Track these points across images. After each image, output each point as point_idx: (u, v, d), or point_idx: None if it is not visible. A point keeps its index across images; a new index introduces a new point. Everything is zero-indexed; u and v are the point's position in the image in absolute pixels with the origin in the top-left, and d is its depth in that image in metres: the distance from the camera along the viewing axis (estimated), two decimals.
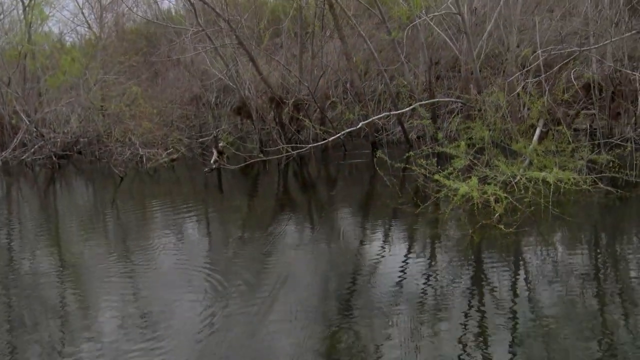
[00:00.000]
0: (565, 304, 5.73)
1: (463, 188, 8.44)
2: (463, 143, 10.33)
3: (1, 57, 20.91)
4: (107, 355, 5.24)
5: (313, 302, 6.21)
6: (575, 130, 12.97)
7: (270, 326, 5.68)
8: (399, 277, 6.76)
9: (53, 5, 24.01)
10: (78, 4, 29.66)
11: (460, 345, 4.98)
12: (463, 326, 5.35)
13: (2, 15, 22.63)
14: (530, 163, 10.57)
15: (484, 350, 4.90)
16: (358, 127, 12.78)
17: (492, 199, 8.48)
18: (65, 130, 19.33)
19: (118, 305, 6.47)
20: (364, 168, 14.94)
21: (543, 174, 8.93)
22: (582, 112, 14.06)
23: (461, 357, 4.80)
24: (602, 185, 9.26)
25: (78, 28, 31.77)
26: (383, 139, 17.96)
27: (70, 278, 7.69)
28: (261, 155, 12.96)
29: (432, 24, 16.02)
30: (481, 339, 5.11)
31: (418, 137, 17.22)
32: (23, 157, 18.93)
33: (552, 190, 8.56)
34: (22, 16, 22.02)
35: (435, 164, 10.09)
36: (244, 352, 5.20)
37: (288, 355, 5.10)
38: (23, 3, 21.45)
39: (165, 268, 7.76)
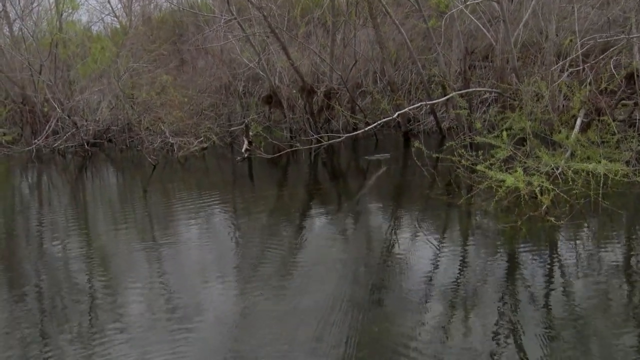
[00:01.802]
0: (614, 300, 5.57)
1: (509, 179, 8.25)
2: (505, 133, 10.11)
3: (34, 46, 21.02)
4: (136, 343, 5.23)
5: (354, 293, 6.11)
6: (612, 120, 12.65)
7: (300, 316, 5.63)
8: (448, 268, 6.63)
9: None
10: None
11: (507, 337, 4.86)
12: (508, 318, 5.22)
13: (35, 3, 22.74)
14: (572, 154, 10.32)
15: (521, 343, 4.80)
16: (394, 116, 12.55)
17: (538, 190, 8.29)
18: (97, 118, 19.42)
19: (148, 293, 6.44)
20: (397, 158, 14.76)
21: (592, 165, 8.68)
22: (622, 102, 13.72)
23: (497, 349, 4.70)
24: None
25: (105, 17, 31.95)
26: (415, 129, 17.77)
27: (100, 265, 7.68)
28: (297, 144, 12.83)
29: (467, 12, 15.72)
30: (527, 332, 4.98)
31: (449, 128, 16.99)
32: (55, 145, 19.05)
33: (602, 182, 8.31)
34: (54, 5, 22.14)
35: (472, 155, 9.91)
36: (275, 341, 5.15)
37: (315, 345, 5.04)
38: None
39: (197, 256, 7.74)
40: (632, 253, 6.90)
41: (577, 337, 4.85)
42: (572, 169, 8.89)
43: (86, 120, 19.52)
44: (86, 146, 18.42)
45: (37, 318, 6.03)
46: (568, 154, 10.30)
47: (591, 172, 8.62)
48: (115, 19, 29.28)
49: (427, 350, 4.80)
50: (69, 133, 19.06)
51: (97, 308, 6.16)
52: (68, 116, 18.99)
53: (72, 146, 19.10)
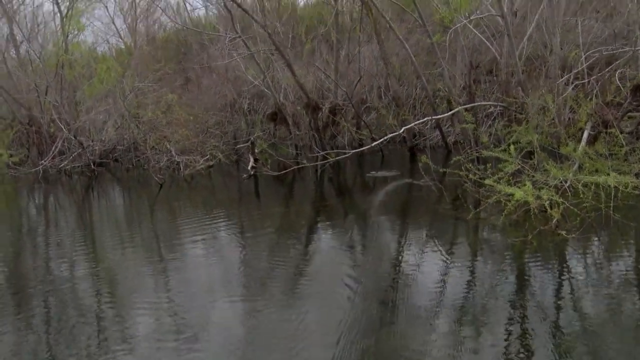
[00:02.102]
0: (625, 314, 5.48)
1: (518, 193, 8.19)
2: (513, 147, 10.06)
3: (40, 67, 21.19)
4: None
5: (363, 310, 6.04)
6: (620, 132, 12.61)
7: (309, 334, 5.58)
8: (457, 283, 6.56)
9: (89, 16, 24.34)
10: (109, 14, 30.05)
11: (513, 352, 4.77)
12: (518, 333, 5.14)
13: (42, 25, 22.97)
14: (580, 167, 10.26)
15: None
16: (401, 132, 12.54)
17: (547, 204, 8.22)
18: (103, 138, 19.50)
19: (156, 313, 6.39)
20: (404, 174, 14.72)
21: (602, 177, 8.62)
22: (628, 114, 13.69)
23: None
24: None
25: (110, 38, 32.24)
26: (420, 144, 17.76)
27: (108, 285, 7.64)
28: (304, 161, 12.83)
29: (470, 26, 15.78)
30: (539, 346, 4.90)
31: (455, 142, 16.99)
32: (62, 165, 19.12)
33: (612, 194, 8.24)
34: (60, 26, 22.34)
35: (479, 169, 9.87)
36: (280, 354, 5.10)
37: (321, 357, 4.99)
38: (61, 14, 21.75)
39: (205, 275, 7.70)
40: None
41: (588, 353, 4.76)
42: (581, 182, 8.82)
43: (92, 140, 19.62)
44: (92, 166, 18.48)
45: (45, 338, 5.97)
46: (576, 166, 10.24)
47: (601, 184, 8.55)
48: (120, 39, 29.61)
49: None
50: (75, 153, 19.13)
51: (105, 328, 6.11)
52: (74, 136, 19.08)
53: (78, 166, 19.16)
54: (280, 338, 5.50)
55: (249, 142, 16.80)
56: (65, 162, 19.09)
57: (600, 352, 4.82)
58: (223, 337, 5.64)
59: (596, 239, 7.82)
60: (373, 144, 13.46)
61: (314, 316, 6.00)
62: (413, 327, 5.51)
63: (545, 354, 4.82)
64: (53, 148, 19.38)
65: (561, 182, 9.34)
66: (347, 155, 13.20)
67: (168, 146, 17.24)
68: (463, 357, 4.90)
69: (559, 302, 5.91)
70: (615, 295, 5.94)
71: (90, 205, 14.62)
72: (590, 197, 8.27)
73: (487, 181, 9.06)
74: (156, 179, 15.17)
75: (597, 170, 9.81)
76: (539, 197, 8.43)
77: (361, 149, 14.17)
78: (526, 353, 4.87)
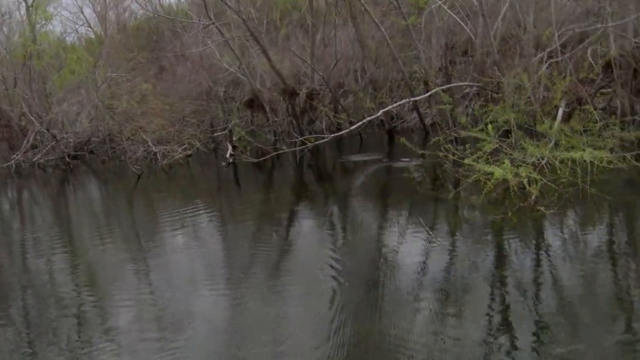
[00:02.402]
0: (602, 285, 5.60)
1: (498, 171, 8.27)
2: (491, 126, 10.14)
3: (7, 58, 20.67)
4: (127, 354, 5.15)
5: (347, 291, 6.06)
6: (593, 109, 12.78)
7: (292, 319, 5.61)
8: (439, 261, 6.62)
9: (56, 5, 23.79)
10: (77, 3, 29.41)
11: (496, 325, 4.85)
12: (500, 307, 5.22)
13: (7, 16, 22.39)
14: (556, 144, 10.38)
15: (512, 332, 4.82)
16: (378, 115, 12.55)
17: (526, 181, 8.32)
18: (76, 130, 19.15)
19: (137, 304, 6.34)
20: (383, 156, 14.75)
21: (579, 153, 8.74)
22: (600, 90, 13.87)
23: (487, 338, 4.75)
24: (639, 164, 9.00)
25: (79, 28, 31.57)
26: (398, 127, 17.81)
27: (88, 278, 7.56)
28: (283, 147, 12.77)
29: (445, 7, 15.79)
30: (520, 320, 4.98)
31: (433, 124, 17.06)
32: (35, 159, 18.75)
33: (588, 169, 8.37)
34: (26, 16, 21.81)
35: (458, 149, 9.93)
36: (267, 343, 5.11)
37: (309, 343, 5.02)
38: (26, 3, 21.22)
39: (186, 265, 7.65)
40: (621, 237, 6.96)
41: (565, 325, 4.84)
42: (558, 158, 8.93)
43: (66, 133, 19.24)
44: (67, 159, 18.14)
45: (25, 332, 5.88)
46: (552, 143, 10.36)
47: (577, 160, 8.67)
48: (90, 28, 29.02)
49: (421, 343, 4.78)
50: (49, 146, 18.77)
51: (87, 320, 6.04)
52: (47, 129, 18.70)
53: (52, 160, 18.81)
54: (265, 326, 5.49)
55: (227, 130, 16.68)
56: (39, 156, 18.73)
57: (577, 323, 4.90)
58: (207, 326, 5.59)
59: (574, 213, 7.96)
60: (351, 128, 13.47)
61: (299, 302, 6.01)
62: (398, 307, 5.54)
63: (525, 327, 4.89)
64: (25, 142, 18.98)
65: (538, 160, 9.45)
66: (325, 139, 13.17)
67: (144, 136, 17.00)
68: (447, 333, 4.95)
69: (538, 277, 6.00)
70: (592, 268, 6.05)
71: (67, 198, 14.39)
72: (567, 173, 8.39)
73: (466, 161, 9.12)
74: (134, 169, 14.97)
75: (572, 147, 9.93)
76: (517, 175, 8.52)
77: (339, 133, 14.14)
78: (507, 327, 4.94)
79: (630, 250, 6.51)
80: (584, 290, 5.60)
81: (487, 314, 5.22)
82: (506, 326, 4.99)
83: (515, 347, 4.61)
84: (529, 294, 5.58)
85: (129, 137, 17.58)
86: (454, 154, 9.71)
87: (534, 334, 4.79)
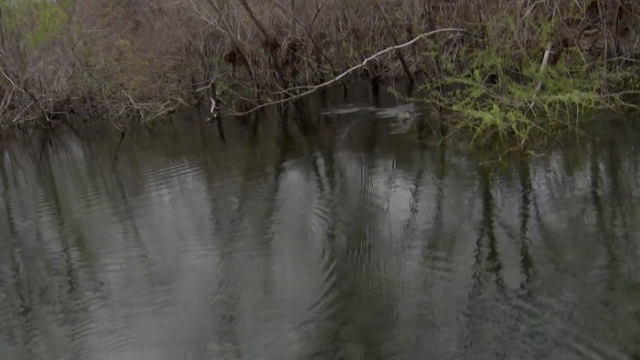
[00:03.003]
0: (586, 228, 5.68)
1: (487, 117, 8.25)
2: (477, 72, 10.05)
3: None
4: (117, 312, 5.15)
5: (336, 243, 6.09)
6: (579, 50, 12.71)
7: (283, 272, 5.65)
8: (429, 209, 6.67)
9: None
10: None
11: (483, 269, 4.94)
12: (489, 251, 5.30)
13: None
14: (543, 87, 10.36)
15: (500, 276, 4.89)
16: (362, 64, 12.39)
17: (515, 125, 8.32)
18: (55, 89, 18.69)
19: (127, 261, 6.32)
20: (367, 106, 14.65)
21: (567, 95, 8.73)
22: (585, 31, 13.77)
23: (476, 279, 4.85)
24: (626, 104, 9.00)
25: None
26: (382, 76, 17.64)
27: (76, 238, 7.51)
28: (268, 100, 12.59)
29: None
30: (509, 262, 5.07)
31: (417, 72, 16.92)
32: (14, 120, 18.34)
33: (577, 112, 8.38)
34: None
35: (447, 95, 9.87)
36: (256, 293, 5.16)
37: (302, 293, 5.06)
38: None
39: (174, 222, 7.61)
40: (610, 178, 7.04)
41: (551, 268, 4.91)
42: (547, 101, 8.91)
43: (44, 92, 18.77)
44: (47, 119, 17.77)
45: (16, 292, 5.87)
46: (539, 87, 10.32)
47: (565, 103, 8.66)
48: None
49: (412, 287, 4.85)
50: (28, 106, 18.34)
51: (77, 279, 6.02)
52: (24, 89, 18.23)
53: (32, 120, 18.40)
54: (256, 279, 5.50)
55: (209, 85, 16.40)
56: (18, 117, 18.32)
57: (563, 262, 4.98)
58: (198, 282, 5.55)
59: (563, 156, 8.00)
60: (336, 78, 13.28)
61: (289, 255, 6.03)
62: (388, 254, 5.57)
63: (513, 266, 4.97)
64: (2, 102, 18.50)
65: (526, 104, 9.43)
66: (310, 91, 13.01)
67: (125, 94, 16.66)
68: (437, 274, 5.03)
69: (527, 220, 6.05)
70: (581, 209, 6.12)
71: (50, 159, 14.18)
72: (555, 116, 8.40)
73: (454, 107, 9.06)
74: (117, 127, 14.74)
75: (559, 89, 9.91)
76: (506, 120, 8.51)
77: (324, 84, 13.95)
78: (495, 270, 4.99)
79: (618, 191, 6.59)
80: (571, 231, 5.67)
81: (476, 256, 5.28)
82: (495, 266, 5.06)
83: (503, 285, 4.69)
84: (517, 235, 5.65)
85: (109, 95, 17.25)
86: (440, 101, 9.65)
87: (521, 272, 4.88)
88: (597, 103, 8.76)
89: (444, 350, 3.95)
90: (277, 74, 17.25)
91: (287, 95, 13.91)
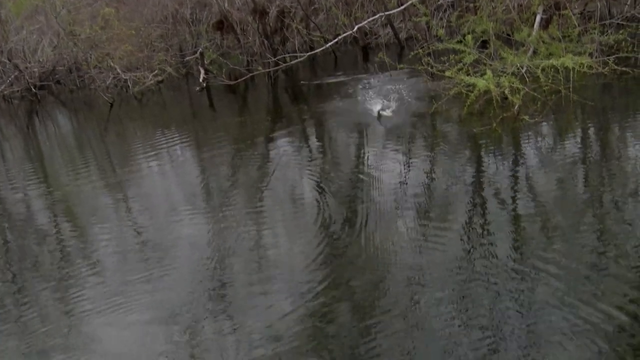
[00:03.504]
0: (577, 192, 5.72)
1: (481, 82, 8.20)
2: (470, 37, 9.97)
3: None
4: (109, 280, 5.16)
5: (329, 212, 6.07)
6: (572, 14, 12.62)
7: (277, 242, 5.64)
8: (422, 176, 6.68)
9: None
10: None
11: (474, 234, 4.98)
12: (482, 217, 5.34)
13: None
14: (535, 52, 10.30)
15: (491, 239, 4.94)
16: (353, 31, 12.25)
17: (508, 91, 8.29)
18: (40, 59, 18.33)
19: (118, 232, 6.31)
20: (356, 72, 14.51)
21: (561, 59, 8.68)
22: None
23: (468, 243, 4.90)
24: (619, 68, 8.96)
25: None
26: (372, 43, 17.46)
27: (67, 210, 7.48)
28: (259, 68, 12.42)
29: None
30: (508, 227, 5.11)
31: (408, 38, 16.77)
32: None
33: (571, 76, 8.35)
34: None
35: (441, 61, 9.79)
36: (248, 262, 5.17)
37: (294, 260, 5.09)
38: None
39: (165, 193, 7.61)
40: (603, 143, 7.07)
41: (540, 233, 4.96)
42: (540, 66, 8.87)
43: (29, 62, 18.40)
44: (33, 90, 17.45)
45: (7, 266, 5.86)
46: (531, 52, 10.27)
47: (559, 67, 8.62)
48: None
49: (403, 253, 4.88)
50: (12, 77, 17.98)
51: (69, 252, 6.01)
52: (8, 59, 17.86)
53: (17, 91, 18.05)
54: (249, 247, 5.50)
55: (198, 54, 16.15)
56: (3, 87, 17.95)
57: (553, 227, 5.03)
58: (191, 253, 5.53)
59: (557, 121, 8.01)
60: (326, 46, 13.12)
61: (282, 222, 6.02)
62: (380, 220, 5.58)
63: (504, 233, 5.03)
64: None
65: (518, 69, 9.39)
66: (299, 59, 12.86)
67: (112, 64, 16.37)
68: (429, 239, 5.08)
69: (520, 185, 6.11)
70: (574, 174, 6.17)
71: (37, 131, 14.00)
72: (549, 81, 8.37)
73: (447, 73, 9.00)
74: (105, 98, 14.54)
75: (551, 54, 9.87)
76: (499, 85, 8.47)
77: (314, 51, 13.79)
78: (487, 236, 5.04)
79: (611, 156, 6.62)
80: (563, 195, 5.73)
81: (469, 220, 5.33)
82: (487, 229, 5.12)
83: (494, 248, 4.75)
84: (510, 200, 5.70)
85: (96, 65, 16.93)
86: (432, 67, 9.57)
87: (513, 235, 4.96)
88: (590, 67, 8.72)
89: (436, 311, 4.01)
90: (266, 42, 16.99)
91: (276, 64, 13.76)
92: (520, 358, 3.48)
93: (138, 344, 4.22)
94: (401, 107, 9.83)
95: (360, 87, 12.30)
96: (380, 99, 10.33)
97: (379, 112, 9.62)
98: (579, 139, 7.35)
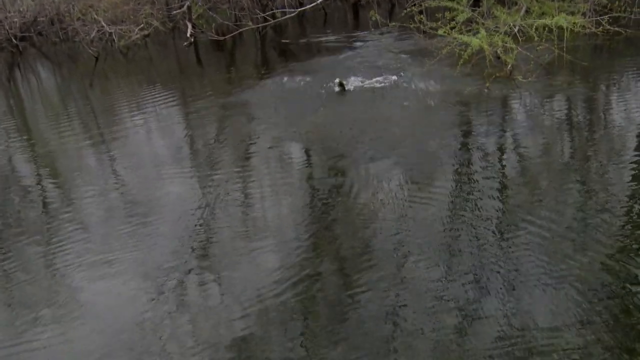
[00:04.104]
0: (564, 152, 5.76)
1: (475, 41, 8.11)
2: None
3: None
4: (93, 237, 5.14)
5: (315, 172, 6.08)
6: None
7: (266, 198, 5.61)
8: (412, 135, 6.67)
9: None
10: None
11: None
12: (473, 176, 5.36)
13: None
14: (527, 11, 10.19)
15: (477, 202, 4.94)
16: None
17: (501, 51, 8.23)
18: (20, 9, 17.79)
19: (104, 191, 6.21)
20: (346, 31, 14.32)
21: (555, 18, 8.60)
22: None
23: (455, 205, 4.92)
24: (612, 28, 8.90)
25: None
26: (363, 0, 17.21)
27: (52, 168, 7.36)
28: (249, 23, 12.16)
29: None
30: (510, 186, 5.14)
31: None
32: None
33: (564, 36, 8.30)
34: None
35: (436, 19, 9.65)
36: (238, 221, 5.14)
37: (282, 218, 5.08)
38: None
39: (152, 150, 7.50)
40: (595, 103, 7.09)
41: (524, 191, 5.00)
42: (534, 25, 8.79)
43: (9, 12, 17.85)
44: (14, 41, 17.01)
45: None
46: (523, 11, 10.14)
47: (552, 27, 8.55)
48: None
49: (390, 218, 4.88)
50: None
51: (54, 210, 5.91)
52: None
53: None
54: (236, 205, 5.46)
55: (185, 7, 15.77)
56: None
57: (538, 189, 5.07)
58: (177, 212, 5.44)
59: (549, 81, 7.99)
60: (316, 2, 12.87)
61: (271, 180, 5.98)
62: (366, 187, 5.54)
63: (491, 193, 5.04)
64: None
65: (511, 28, 9.29)
66: (289, 15, 12.60)
67: (96, 16, 15.94)
68: (416, 202, 5.05)
69: (509, 146, 6.12)
70: (564, 136, 6.19)
71: (18, 85, 13.69)
72: (543, 40, 8.32)
73: (440, 31, 8.87)
74: (90, 51, 14.22)
75: (544, 13, 9.77)
76: (492, 44, 8.40)
77: (303, 8, 13.54)
78: (473, 194, 5.06)
79: (602, 116, 6.65)
80: (551, 154, 5.74)
81: (457, 184, 5.33)
82: (474, 187, 5.14)
83: (481, 208, 4.77)
84: (497, 161, 5.72)
85: (79, 17, 16.48)
86: (425, 25, 9.43)
87: (500, 196, 4.98)
88: (584, 27, 8.66)
89: (423, 264, 4.05)
90: None
91: (265, 20, 13.50)
92: (500, 307, 3.53)
93: (123, 297, 4.19)
94: (392, 66, 9.74)
95: (349, 45, 12.11)
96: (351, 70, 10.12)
97: (340, 82, 9.23)
98: (571, 99, 7.35)
